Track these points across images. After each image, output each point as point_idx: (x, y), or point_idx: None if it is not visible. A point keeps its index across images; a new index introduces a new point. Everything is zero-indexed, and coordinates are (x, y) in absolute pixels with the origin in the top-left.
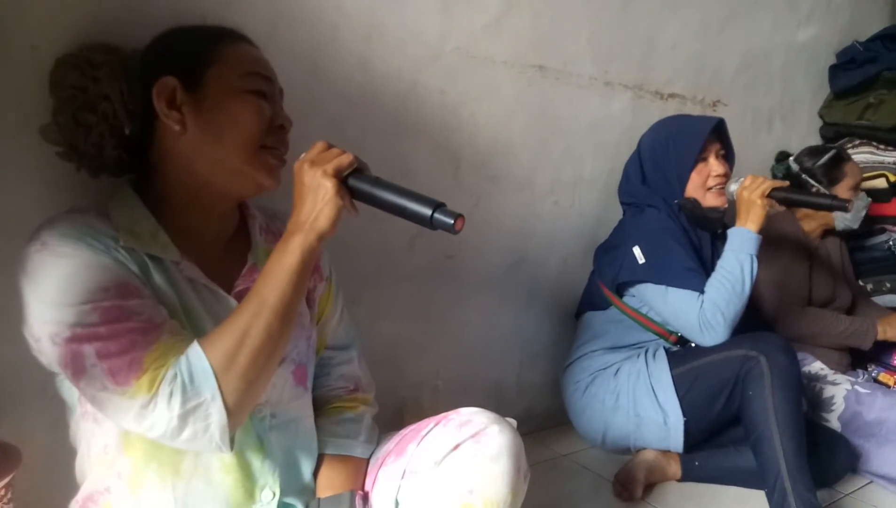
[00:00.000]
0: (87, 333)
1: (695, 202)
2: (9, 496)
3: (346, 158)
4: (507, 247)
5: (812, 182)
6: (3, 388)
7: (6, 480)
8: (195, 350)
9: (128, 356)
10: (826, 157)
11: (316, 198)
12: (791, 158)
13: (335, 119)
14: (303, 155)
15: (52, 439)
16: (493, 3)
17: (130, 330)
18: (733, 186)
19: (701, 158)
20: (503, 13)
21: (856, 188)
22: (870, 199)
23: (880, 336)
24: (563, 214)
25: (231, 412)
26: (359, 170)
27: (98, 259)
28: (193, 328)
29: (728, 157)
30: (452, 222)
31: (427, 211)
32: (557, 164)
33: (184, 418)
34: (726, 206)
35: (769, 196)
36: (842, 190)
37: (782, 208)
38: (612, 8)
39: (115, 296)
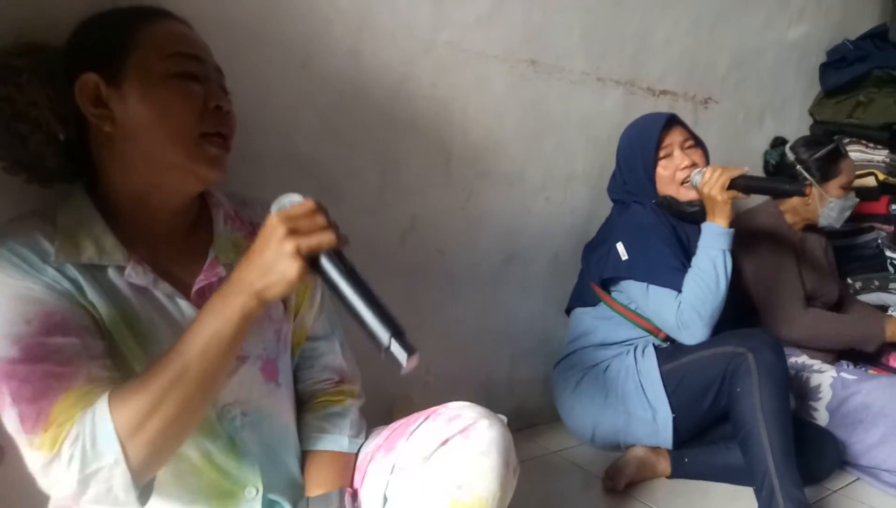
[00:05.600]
0: (5, 369)
1: (671, 200)
2: None
3: (326, 238)
4: (498, 243)
5: (806, 174)
6: None
7: None
8: (102, 411)
9: (37, 405)
10: (824, 150)
11: (275, 269)
12: (787, 146)
13: (325, 112)
14: (281, 205)
15: None
16: None
17: (46, 374)
18: (697, 177)
19: (664, 153)
20: (495, 7)
21: (847, 187)
22: (858, 200)
23: (889, 338)
24: (555, 209)
25: (136, 474)
26: (336, 250)
27: (25, 286)
28: (141, 337)
29: (698, 145)
30: (406, 357)
31: (384, 336)
32: (549, 159)
33: (84, 482)
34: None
35: (731, 187)
36: (832, 187)
37: (744, 197)
38: (605, 3)
39: (38, 331)
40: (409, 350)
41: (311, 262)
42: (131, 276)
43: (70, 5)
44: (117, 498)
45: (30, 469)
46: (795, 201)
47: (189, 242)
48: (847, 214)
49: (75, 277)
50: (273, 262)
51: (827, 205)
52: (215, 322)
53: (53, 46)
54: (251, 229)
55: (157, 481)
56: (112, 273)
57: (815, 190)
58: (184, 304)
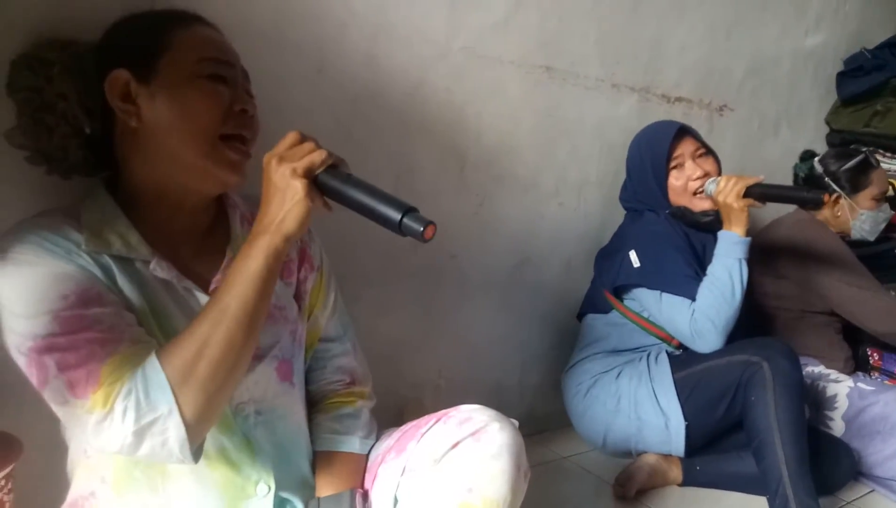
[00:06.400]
0: (47, 344)
1: (685, 210)
2: (9, 486)
3: (318, 156)
4: (510, 247)
5: (834, 186)
6: (4, 378)
7: (7, 470)
8: (152, 363)
9: (85, 369)
10: (853, 161)
11: (284, 198)
12: (816, 159)
13: (341, 116)
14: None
15: (53, 429)
16: (501, 2)
17: (89, 341)
18: (712, 187)
19: (676, 164)
20: (511, 13)
21: (879, 199)
22: (892, 212)
23: None
24: (568, 215)
25: (190, 426)
26: (332, 166)
27: (58, 266)
28: (165, 329)
29: (710, 154)
30: (422, 229)
31: (396, 215)
32: (563, 165)
33: (139, 434)
34: (716, 207)
35: (746, 195)
36: (863, 198)
37: (760, 205)
38: (621, 10)
39: (76, 305)
40: (423, 222)
41: (313, 183)
42: (156, 270)
43: (104, 6)
44: (172, 452)
45: (84, 435)
46: (827, 213)
47: (207, 241)
48: (882, 226)
49: (107, 264)
50: (279, 192)
51: (858, 217)
52: (246, 263)
53: (85, 43)
54: None
55: (174, 473)
56: (138, 266)
57: (844, 202)
58: (204, 299)
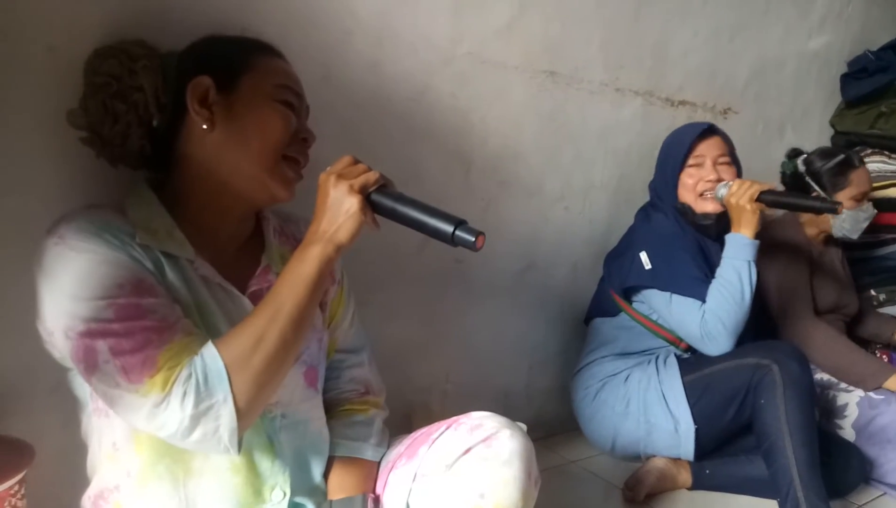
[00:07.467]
0: (100, 328)
1: (687, 207)
2: (22, 492)
3: (373, 176)
4: (516, 252)
5: (814, 186)
6: (17, 385)
7: (20, 476)
8: (210, 351)
9: (141, 354)
10: (833, 161)
11: (339, 211)
12: (801, 158)
13: (346, 122)
14: (329, 167)
15: (65, 435)
16: (505, 7)
17: (145, 328)
18: (723, 190)
19: (695, 162)
20: (515, 18)
21: (860, 199)
22: (875, 211)
23: (886, 387)
24: (573, 220)
25: (241, 415)
26: (383, 186)
27: (115, 255)
28: (207, 326)
29: (733, 164)
30: (473, 239)
31: (449, 228)
32: (568, 169)
33: (196, 418)
34: (719, 211)
35: (758, 200)
36: (843, 198)
37: (773, 211)
38: (624, 14)
39: (131, 293)
40: (474, 233)
41: (366, 200)
42: (200, 269)
43: (170, 23)
44: (221, 440)
45: (134, 419)
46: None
47: (243, 249)
48: (863, 225)
49: (157, 259)
50: (335, 205)
51: (838, 216)
52: (300, 267)
53: (165, 50)
54: (295, 243)
55: (196, 470)
56: (183, 263)
57: None
58: (244, 301)
